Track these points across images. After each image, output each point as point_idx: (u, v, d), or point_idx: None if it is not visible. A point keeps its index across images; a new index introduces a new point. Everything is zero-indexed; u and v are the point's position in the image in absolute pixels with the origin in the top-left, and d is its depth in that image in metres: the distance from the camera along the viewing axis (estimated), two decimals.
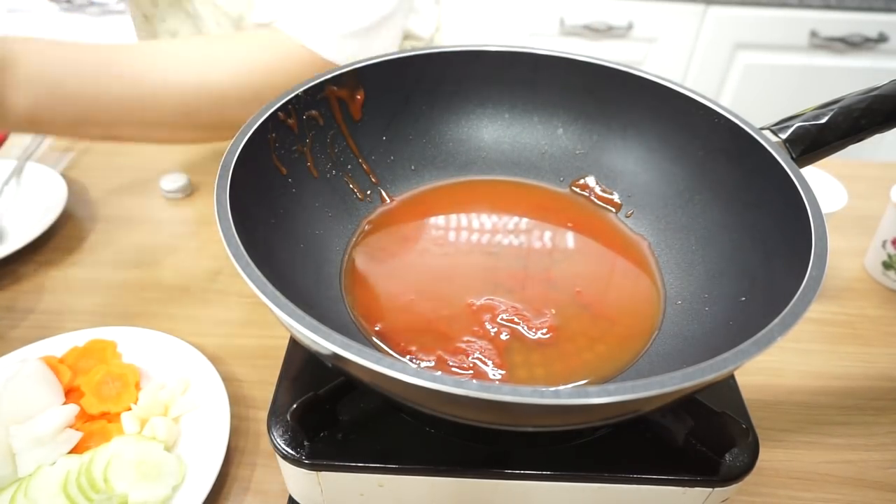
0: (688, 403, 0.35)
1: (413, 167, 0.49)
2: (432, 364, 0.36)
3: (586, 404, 0.24)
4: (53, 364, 0.48)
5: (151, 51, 0.58)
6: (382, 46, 0.65)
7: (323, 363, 0.35)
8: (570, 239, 0.45)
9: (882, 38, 1.36)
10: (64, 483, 0.40)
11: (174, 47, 0.59)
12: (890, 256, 0.61)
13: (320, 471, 0.34)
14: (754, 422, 0.35)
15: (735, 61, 1.42)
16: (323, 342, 0.26)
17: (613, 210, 0.47)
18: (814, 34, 1.36)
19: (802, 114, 0.39)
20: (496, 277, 0.42)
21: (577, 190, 0.48)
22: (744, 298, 0.36)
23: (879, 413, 0.50)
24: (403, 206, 0.47)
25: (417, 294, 0.41)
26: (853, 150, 0.40)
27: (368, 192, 0.47)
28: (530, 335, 0.38)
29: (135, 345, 0.51)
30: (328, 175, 0.45)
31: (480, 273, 0.42)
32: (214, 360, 0.50)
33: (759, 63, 1.42)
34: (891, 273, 0.61)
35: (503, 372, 0.36)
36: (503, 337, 0.38)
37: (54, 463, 0.42)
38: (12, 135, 0.79)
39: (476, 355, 0.37)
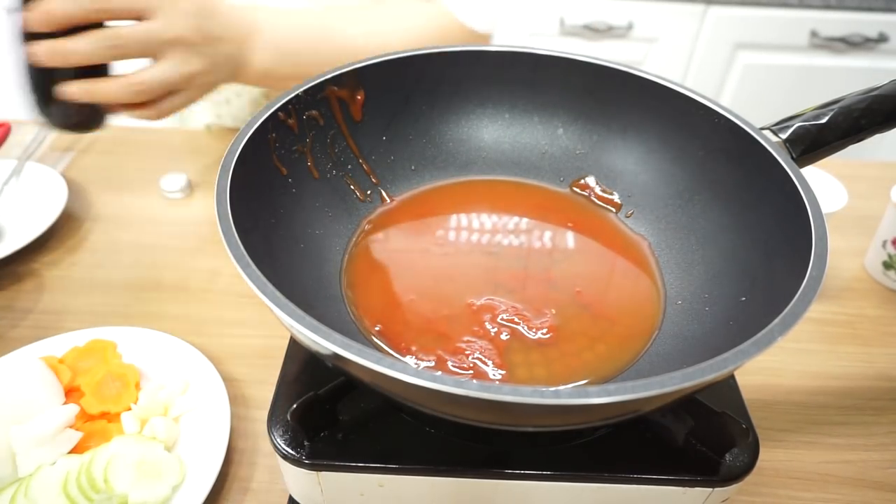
0: (688, 403, 0.35)
1: (413, 167, 0.49)
2: (432, 364, 0.36)
3: (586, 404, 0.24)
4: (53, 364, 0.48)
5: (355, 19, 0.68)
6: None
7: (323, 363, 0.35)
8: (570, 239, 0.45)
9: (882, 38, 1.36)
10: (64, 483, 0.40)
11: (371, 17, 0.69)
12: (890, 256, 0.61)
13: (320, 471, 0.34)
14: (754, 422, 0.35)
15: (735, 61, 1.42)
16: (323, 342, 0.26)
17: (613, 210, 0.47)
18: (814, 34, 1.36)
19: (802, 114, 0.39)
20: (496, 277, 0.42)
21: (578, 190, 0.48)
22: (744, 298, 0.36)
23: (879, 413, 0.51)
24: (403, 206, 0.47)
25: (417, 294, 0.41)
26: (853, 150, 0.40)
27: (368, 192, 0.47)
28: (530, 335, 0.38)
29: (135, 345, 0.51)
30: (328, 175, 0.45)
31: (481, 273, 0.42)
32: (214, 360, 0.50)
33: (758, 63, 1.42)
34: (891, 273, 0.61)
35: (503, 372, 0.36)
36: (503, 337, 0.38)
37: (54, 463, 0.42)
38: (13, 134, 0.78)
39: (476, 355, 0.37)
